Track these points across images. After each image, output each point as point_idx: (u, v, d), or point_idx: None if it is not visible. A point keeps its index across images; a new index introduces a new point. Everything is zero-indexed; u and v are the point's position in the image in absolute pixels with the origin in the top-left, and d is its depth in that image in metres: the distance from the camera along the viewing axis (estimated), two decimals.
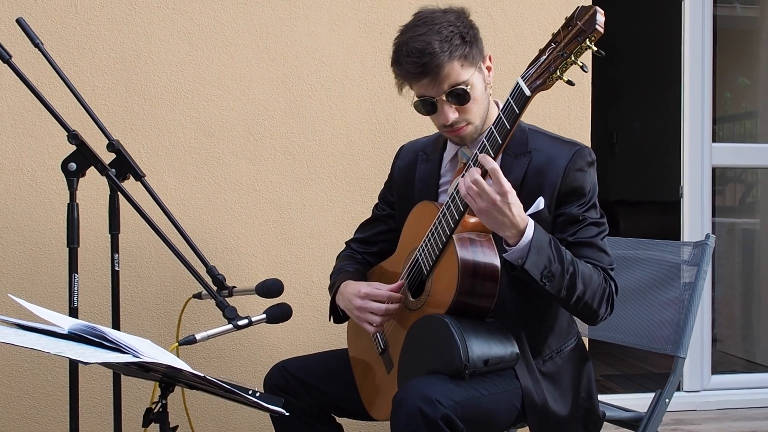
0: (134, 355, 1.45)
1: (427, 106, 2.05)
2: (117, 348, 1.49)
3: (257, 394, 1.72)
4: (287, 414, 1.70)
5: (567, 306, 1.99)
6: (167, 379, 1.78)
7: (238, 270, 2.90)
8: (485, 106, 2.06)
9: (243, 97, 2.92)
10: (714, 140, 3.86)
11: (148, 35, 2.85)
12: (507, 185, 1.83)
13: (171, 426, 1.83)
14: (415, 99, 2.06)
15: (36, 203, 2.79)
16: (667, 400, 2.36)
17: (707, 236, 2.44)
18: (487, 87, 2.07)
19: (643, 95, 6.97)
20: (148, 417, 1.79)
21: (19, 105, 2.77)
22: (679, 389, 3.77)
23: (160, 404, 1.79)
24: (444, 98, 2.00)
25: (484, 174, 1.85)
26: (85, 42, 2.81)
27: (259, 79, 2.93)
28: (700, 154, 3.79)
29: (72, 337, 1.58)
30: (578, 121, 3.12)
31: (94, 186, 2.72)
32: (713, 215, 4.52)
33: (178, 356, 2.51)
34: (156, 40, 2.86)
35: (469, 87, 1.99)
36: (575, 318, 2.25)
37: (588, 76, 3.12)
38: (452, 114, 2.02)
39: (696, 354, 3.79)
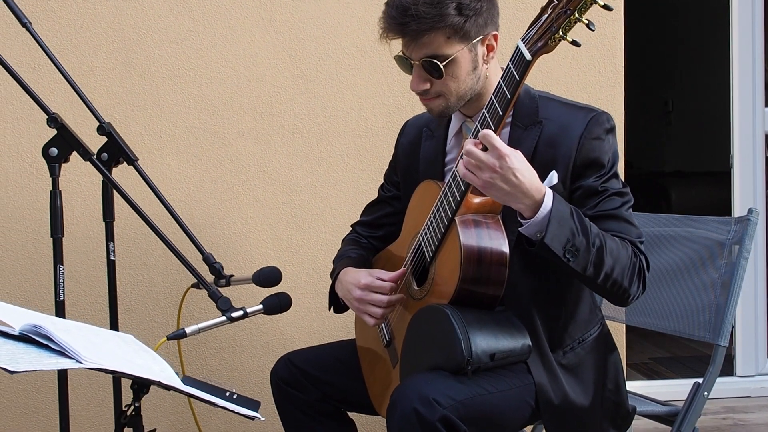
0: (77, 360, 1.31)
1: (404, 65, 1.89)
2: (62, 351, 1.35)
3: (235, 396, 1.58)
4: (263, 419, 1.55)
5: (594, 285, 1.78)
6: (139, 381, 1.64)
7: (247, 256, 2.76)
8: (468, 86, 1.86)
9: (248, 73, 2.77)
10: None
11: (146, 10, 2.71)
12: (505, 148, 1.63)
13: (147, 430, 1.70)
14: (398, 53, 1.90)
15: (37, 191, 2.68)
16: (705, 393, 2.14)
17: (750, 211, 2.20)
18: (477, 67, 1.85)
19: (699, 59, 6.63)
20: (121, 421, 1.66)
21: (16, 89, 2.65)
22: (731, 374, 3.56)
23: (132, 407, 1.66)
24: (419, 64, 1.83)
25: (484, 148, 1.67)
26: (81, 21, 2.68)
27: (264, 54, 2.77)
28: (751, 120, 3.51)
29: (24, 338, 1.45)
30: (610, 87, 2.88)
31: (91, 171, 2.61)
32: None
33: (179, 347, 2.40)
34: (155, 15, 2.72)
35: (445, 63, 1.80)
36: (598, 304, 2.07)
37: (619, 37, 2.88)
38: (422, 84, 1.85)
39: (750, 336, 3.54)
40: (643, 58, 6.42)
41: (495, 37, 1.86)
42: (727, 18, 3.55)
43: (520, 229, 1.72)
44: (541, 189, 1.68)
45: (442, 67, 1.80)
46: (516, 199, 1.67)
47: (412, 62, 1.85)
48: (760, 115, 3.52)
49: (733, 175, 3.54)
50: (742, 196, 3.51)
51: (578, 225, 1.70)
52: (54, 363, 1.29)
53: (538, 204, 1.68)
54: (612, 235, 1.79)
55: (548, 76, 2.84)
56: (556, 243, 1.67)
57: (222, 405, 1.49)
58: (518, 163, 1.65)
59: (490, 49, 1.87)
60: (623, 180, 1.90)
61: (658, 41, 6.80)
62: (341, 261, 2.17)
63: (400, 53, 1.88)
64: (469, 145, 1.66)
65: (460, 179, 1.75)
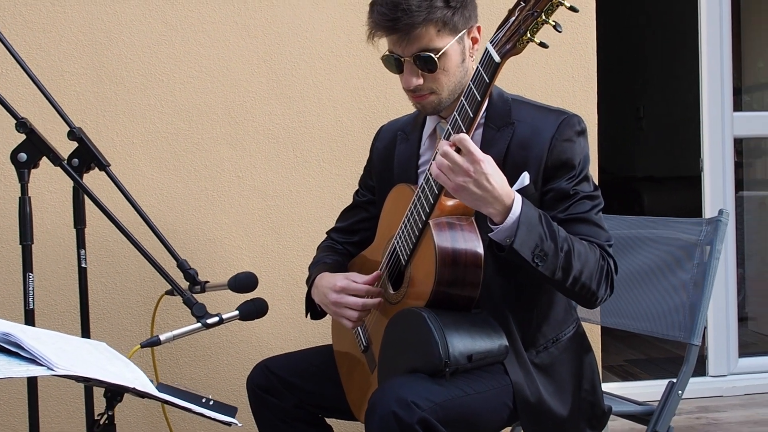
0: (48, 368, 1.29)
1: (393, 64, 1.88)
2: (33, 359, 1.32)
3: (211, 403, 1.57)
4: (240, 425, 1.54)
5: (563, 288, 1.80)
6: (113, 388, 1.62)
7: (222, 263, 2.74)
8: (458, 80, 1.87)
9: (222, 78, 2.75)
10: (741, 110, 3.62)
11: (118, 15, 2.69)
12: (479, 153, 1.65)
13: None
14: (386, 52, 1.89)
15: (6, 197, 2.64)
16: (680, 392, 2.16)
17: (720, 212, 2.23)
18: (465, 60, 1.88)
19: (670, 66, 6.70)
20: (93, 430, 1.64)
21: None
22: (703, 374, 3.59)
23: (106, 416, 1.64)
24: (411, 60, 1.83)
25: (457, 150, 1.67)
26: (51, 25, 2.65)
27: (238, 59, 2.76)
28: (720, 125, 3.55)
29: None
30: (583, 91, 2.90)
31: (61, 178, 2.58)
32: (742, 189, 4.28)
33: (153, 355, 2.38)
34: (127, 19, 2.69)
35: (438, 56, 1.81)
36: (574, 305, 2.07)
37: (591, 42, 2.91)
38: (416, 79, 1.85)
39: (722, 336, 3.58)
40: (614, 65, 6.48)
41: (479, 29, 1.90)
42: (696, 26, 3.59)
43: (489, 234, 1.73)
44: (510, 194, 1.70)
45: (436, 59, 1.81)
46: (486, 203, 1.69)
47: (403, 59, 1.84)
48: (729, 119, 3.57)
49: (704, 178, 3.59)
50: (713, 199, 3.55)
51: (547, 230, 1.72)
52: (25, 370, 1.26)
53: (508, 209, 1.69)
54: (581, 239, 1.81)
55: (522, 81, 2.85)
56: (525, 248, 1.69)
57: (198, 411, 1.47)
58: (491, 168, 1.67)
59: (474, 41, 1.89)
60: (596, 183, 1.92)
61: (629, 50, 6.87)
62: (317, 267, 2.16)
63: (388, 52, 1.88)
64: (444, 146, 1.67)
65: (434, 182, 1.76)
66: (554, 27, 1.53)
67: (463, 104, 1.69)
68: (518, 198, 1.71)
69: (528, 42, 1.55)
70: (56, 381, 2.67)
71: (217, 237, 2.75)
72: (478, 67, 1.65)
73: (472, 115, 1.67)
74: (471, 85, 1.67)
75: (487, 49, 1.63)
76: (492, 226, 1.72)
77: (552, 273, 1.73)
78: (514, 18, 1.58)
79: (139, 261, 2.70)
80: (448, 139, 1.70)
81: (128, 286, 2.71)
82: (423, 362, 1.75)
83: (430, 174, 1.74)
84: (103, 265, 2.68)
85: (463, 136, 1.65)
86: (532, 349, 1.92)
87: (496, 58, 1.60)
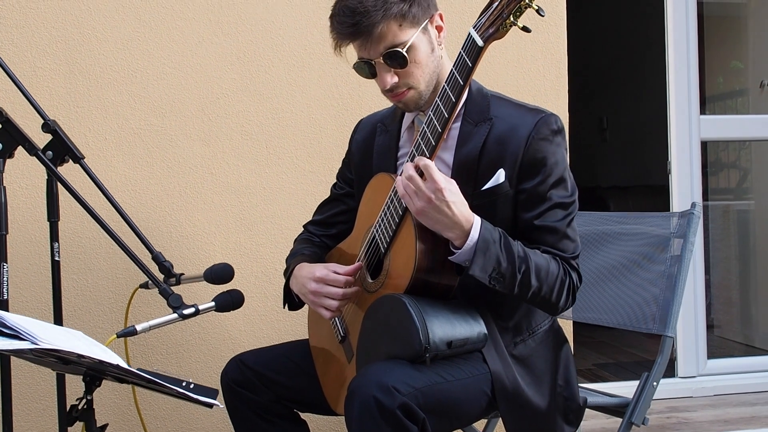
0: (33, 342, 1.27)
1: (365, 69, 1.90)
2: (16, 335, 1.30)
3: (191, 386, 1.55)
4: (221, 405, 1.52)
5: (523, 301, 1.87)
6: (92, 372, 1.60)
7: (195, 259, 2.72)
8: (431, 70, 1.89)
9: (195, 74, 2.74)
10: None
11: (91, 11, 2.66)
12: (441, 182, 1.69)
13: (99, 425, 1.65)
14: (356, 60, 1.91)
15: None
16: (654, 384, 2.18)
17: (693, 205, 2.27)
18: (434, 49, 1.89)
19: (633, 78, 6.81)
20: (72, 415, 1.61)
21: None
22: (673, 375, 3.63)
23: (84, 400, 1.61)
24: (381, 61, 1.85)
25: (421, 173, 1.72)
26: (23, 20, 2.62)
27: (212, 55, 2.75)
28: (687, 128, 3.61)
29: None
30: (554, 90, 2.93)
31: (33, 172, 2.55)
32: (707, 198, 4.36)
33: (126, 350, 2.35)
34: (100, 16, 2.67)
35: (406, 49, 1.83)
36: None
37: (563, 41, 2.94)
38: (390, 78, 1.86)
39: (690, 338, 3.63)
40: (578, 75, 6.57)
41: (441, 16, 1.91)
42: (661, 36, 3.66)
43: (450, 258, 1.77)
44: (470, 219, 1.74)
45: (405, 53, 1.82)
46: (446, 228, 1.73)
47: (373, 62, 1.86)
48: (696, 123, 3.63)
49: (671, 180, 3.64)
50: (680, 200, 3.60)
51: (504, 253, 1.76)
52: (8, 344, 1.25)
53: (467, 233, 1.73)
54: (547, 249, 1.85)
55: (494, 79, 2.87)
56: (482, 273, 1.74)
57: (180, 392, 1.46)
58: (452, 195, 1.71)
59: (439, 29, 1.91)
60: (573, 183, 1.92)
61: (593, 60, 6.97)
62: (295, 258, 2.16)
63: (358, 59, 1.90)
64: (410, 170, 1.71)
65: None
66: (537, 11, 1.55)
67: (446, 89, 1.70)
68: (477, 223, 1.74)
69: (511, 26, 1.58)
70: (28, 377, 2.62)
71: (190, 234, 2.73)
72: (460, 52, 1.67)
73: (454, 100, 1.68)
74: (453, 70, 1.68)
75: (470, 34, 1.65)
76: (453, 249, 1.76)
77: (510, 291, 1.79)
78: (497, 3, 1.60)
79: (111, 256, 2.67)
80: (413, 158, 1.76)
81: (99, 282, 2.67)
82: (403, 348, 1.75)
83: (397, 190, 1.77)
84: (74, 261, 2.64)
85: (428, 163, 1.69)
86: (509, 340, 1.93)
87: (479, 42, 1.62)
